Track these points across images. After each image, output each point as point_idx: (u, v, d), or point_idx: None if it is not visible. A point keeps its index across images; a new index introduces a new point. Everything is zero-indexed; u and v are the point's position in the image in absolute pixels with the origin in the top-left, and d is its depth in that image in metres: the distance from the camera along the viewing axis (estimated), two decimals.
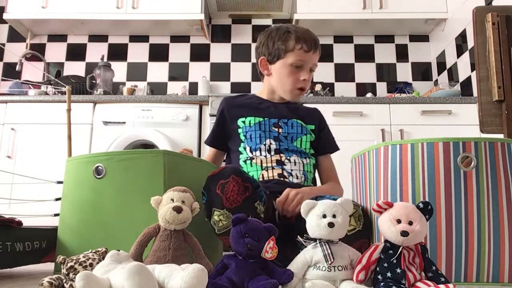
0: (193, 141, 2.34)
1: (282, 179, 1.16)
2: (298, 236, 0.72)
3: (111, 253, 0.65)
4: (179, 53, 3.12)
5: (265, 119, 1.24)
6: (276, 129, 1.23)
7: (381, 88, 3.04)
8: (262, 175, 1.18)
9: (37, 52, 3.01)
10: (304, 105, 1.41)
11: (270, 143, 1.21)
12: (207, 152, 1.33)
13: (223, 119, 1.30)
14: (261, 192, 0.89)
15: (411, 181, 0.84)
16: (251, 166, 1.20)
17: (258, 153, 1.20)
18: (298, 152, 1.22)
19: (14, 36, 3.09)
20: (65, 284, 0.64)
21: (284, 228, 0.95)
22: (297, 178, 1.18)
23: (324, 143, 1.32)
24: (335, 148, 1.35)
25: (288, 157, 1.20)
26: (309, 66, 1.24)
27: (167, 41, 3.13)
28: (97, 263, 0.67)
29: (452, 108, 2.30)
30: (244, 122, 1.25)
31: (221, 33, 3.17)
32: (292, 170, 1.18)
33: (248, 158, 1.21)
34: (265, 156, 1.19)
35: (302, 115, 1.29)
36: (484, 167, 0.82)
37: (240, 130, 1.26)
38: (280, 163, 1.19)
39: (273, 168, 1.18)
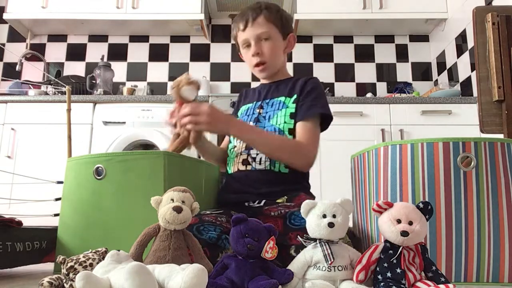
0: None
1: (245, 166, 1.14)
2: (298, 236, 0.72)
3: (111, 253, 0.65)
4: (179, 53, 3.12)
5: (253, 103, 1.25)
6: (258, 110, 1.22)
7: (381, 88, 3.04)
8: (234, 162, 1.18)
9: (37, 52, 3.01)
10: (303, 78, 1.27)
11: None
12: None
13: (235, 110, 1.35)
14: (222, 242, 0.89)
15: (411, 181, 0.84)
16: (232, 154, 1.21)
17: (235, 139, 1.20)
18: (274, 131, 1.15)
19: (14, 36, 3.09)
20: (65, 284, 0.64)
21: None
22: (260, 163, 1.12)
23: (297, 111, 1.16)
24: (307, 115, 1.13)
25: None
26: (254, 40, 1.19)
27: (167, 41, 3.13)
28: (97, 263, 0.67)
29: (452, 108, 2.30)
30: (241, 110, 1.29)
31: (221, 33, 3.17)
32: (257, 154, 1.14)
33: (233, 147, 1.21)
34: (240, 142, 1.19)
35: (288, 89, 1.21)
36: (484, 167, 0.82)
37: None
38: (248, 147, 1.16)
39: (241, 154, 1.17)
